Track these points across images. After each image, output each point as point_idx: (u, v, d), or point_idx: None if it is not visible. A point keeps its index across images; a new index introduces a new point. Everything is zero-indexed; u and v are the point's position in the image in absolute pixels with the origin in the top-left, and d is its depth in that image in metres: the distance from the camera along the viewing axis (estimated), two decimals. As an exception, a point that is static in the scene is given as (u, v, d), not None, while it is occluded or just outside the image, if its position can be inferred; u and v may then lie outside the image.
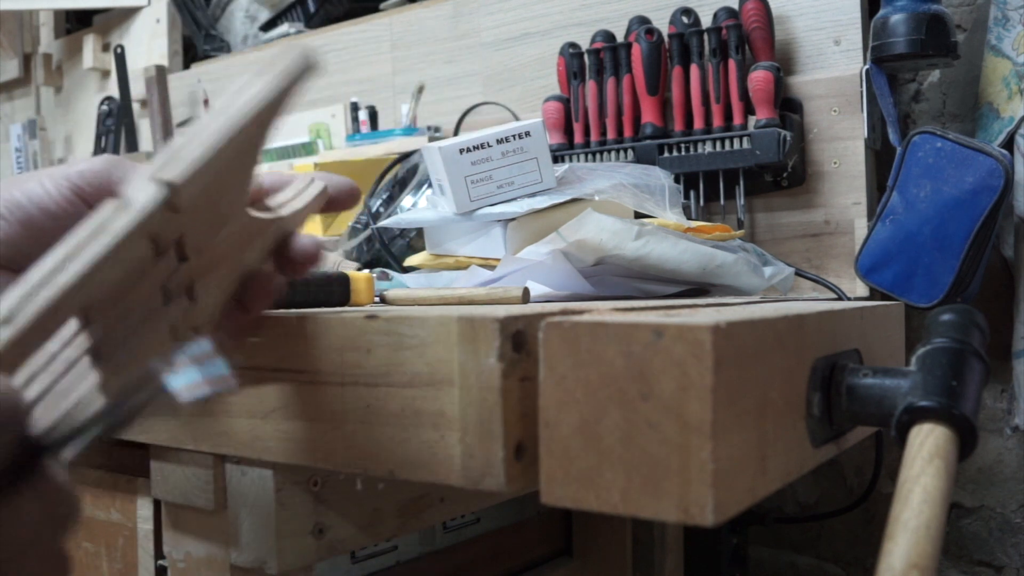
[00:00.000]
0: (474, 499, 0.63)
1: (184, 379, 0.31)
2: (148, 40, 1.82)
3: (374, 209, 0.98)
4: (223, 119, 0.36)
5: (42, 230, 0.39)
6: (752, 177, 1.00)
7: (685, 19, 1.04)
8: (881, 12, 0.92)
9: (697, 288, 0.78)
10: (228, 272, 0.41)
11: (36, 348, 0.31)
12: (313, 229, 1.16)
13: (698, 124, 1.01)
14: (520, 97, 1.24)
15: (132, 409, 0.31)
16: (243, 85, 0.38)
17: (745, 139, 0.97)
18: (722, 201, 1.00)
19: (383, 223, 0.87)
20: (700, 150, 1.00)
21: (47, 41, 2.07)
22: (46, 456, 0.29)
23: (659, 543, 0.86)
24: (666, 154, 1.01)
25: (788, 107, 1.00)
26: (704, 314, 0.42)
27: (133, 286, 0.35)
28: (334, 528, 0.53)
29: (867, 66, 0.95)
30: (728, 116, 1.00)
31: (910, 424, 0.44)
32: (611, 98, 1.05)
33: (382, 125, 1.34)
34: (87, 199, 0.40)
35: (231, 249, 0.41)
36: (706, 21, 1.04)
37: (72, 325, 0.34)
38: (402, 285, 0.77)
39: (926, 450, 0.41)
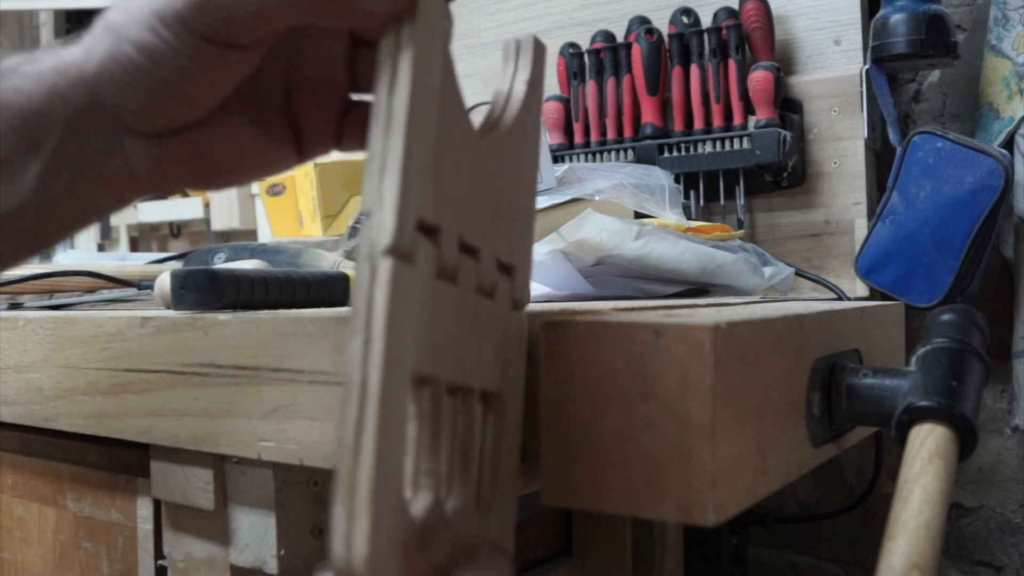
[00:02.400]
0: (474, 499, 0.63)
1: None
2: (148, 40, 1.82)
3: (374, 209, 0.98)
4: (388, 128, 0.31)
5: (170, 85, 0.35)
6: (752, 177, 1.00)
7: (685, 19, 1.04)
8: (881, 12, 0.92)
9: (697, 288, 0.78)
10: (515, 215, 0.38)
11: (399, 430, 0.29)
12: (313, 230, 1.16)
13: (698, 124, 1.01)
14: (520, 97, 1.24)
15: None
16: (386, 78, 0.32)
17: (745, 139, 0.97)
18: (722, 201, 1.00)
19: (383, 223, 0.86)
20: (700, 150, 1.00)
21: (47, 41, 2.07)
22: None
23: (659, 543, 0.86)
24: (666, 154, 1.01)
25: (788, 107, 1.00)
26: (704, 314, 0.42)
27: (461, 315, 0.34)
28: (334, 528, 0.53)
29: (867, 66, 0.95)
30: (728, 116, 1.00)
31: (910, 424, 0.44)
32: (611, 98, 1.05)
33: (382, 125, 1.34)
34: (213, 39, 0.34)
35: (501, 185, 0.37)
36: (706, 21, 1.04)
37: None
38: (402, 285, 0.76)
39: (926, 450, 0.41)
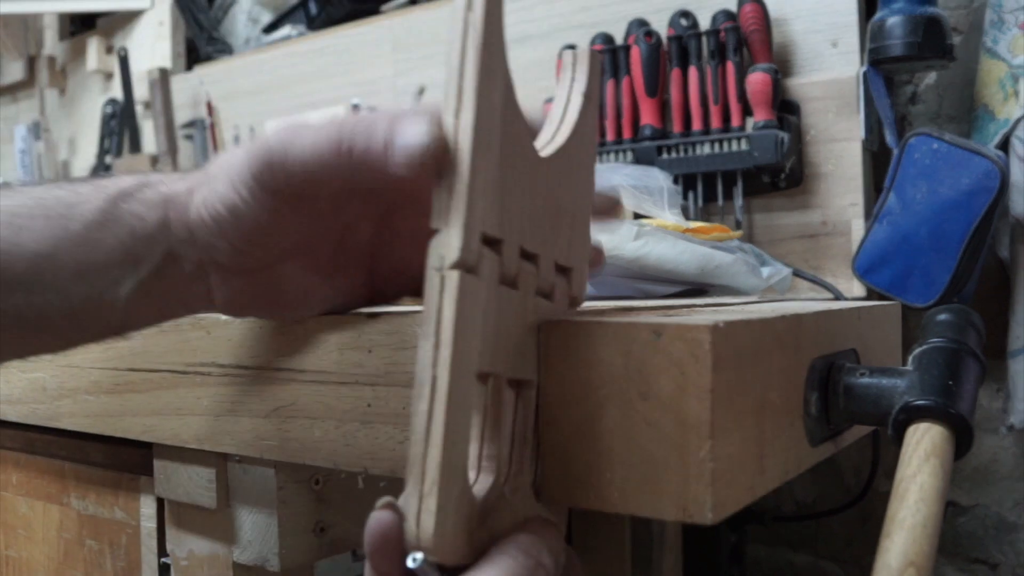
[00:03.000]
0: (474, 498, 0.63)
1: None
2: (151, 42, 1.83)
3: (374, 210, 0.98)
4: (455, 154, 0.34)
5: (251, 235, 0.39)
6: (750, 178, 1.00)
7: (684, 21, 1.04)
8: (878, 15, 0.93)
9: (696, 288, 0.78)
10: (573, 221, 0.41)
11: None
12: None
13: (696, 126, 1.01)
14: (520, 99, 1.24)
15: None
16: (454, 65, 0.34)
17: (743, 141, 0.97)
18: (720, 202, 1.01)
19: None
20: (698, 151, 1.00)
21: (51, 43, 2.07)
22: None
23: (658, 541, 0.86)
24: (665, 155, 1.02)
25: (786, 109, 1.00)
26: (702, 314, 0.42)
27: (518, 319, 0.36)
28: (335, 526, 0.53)
29: (864, 68, 0.95)
30: (726, 118, 1.01)
31: (907, 423, 0.44)
32: (610, 100, 1.06)
33: (382, 126, 1.34)
34: (279, 192, 0.38)
35: (561, 194, 0.40)
36: (704, 24, 1.04)
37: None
38: (403, 286, 0.77)
39: (922, 449, 0.42)
